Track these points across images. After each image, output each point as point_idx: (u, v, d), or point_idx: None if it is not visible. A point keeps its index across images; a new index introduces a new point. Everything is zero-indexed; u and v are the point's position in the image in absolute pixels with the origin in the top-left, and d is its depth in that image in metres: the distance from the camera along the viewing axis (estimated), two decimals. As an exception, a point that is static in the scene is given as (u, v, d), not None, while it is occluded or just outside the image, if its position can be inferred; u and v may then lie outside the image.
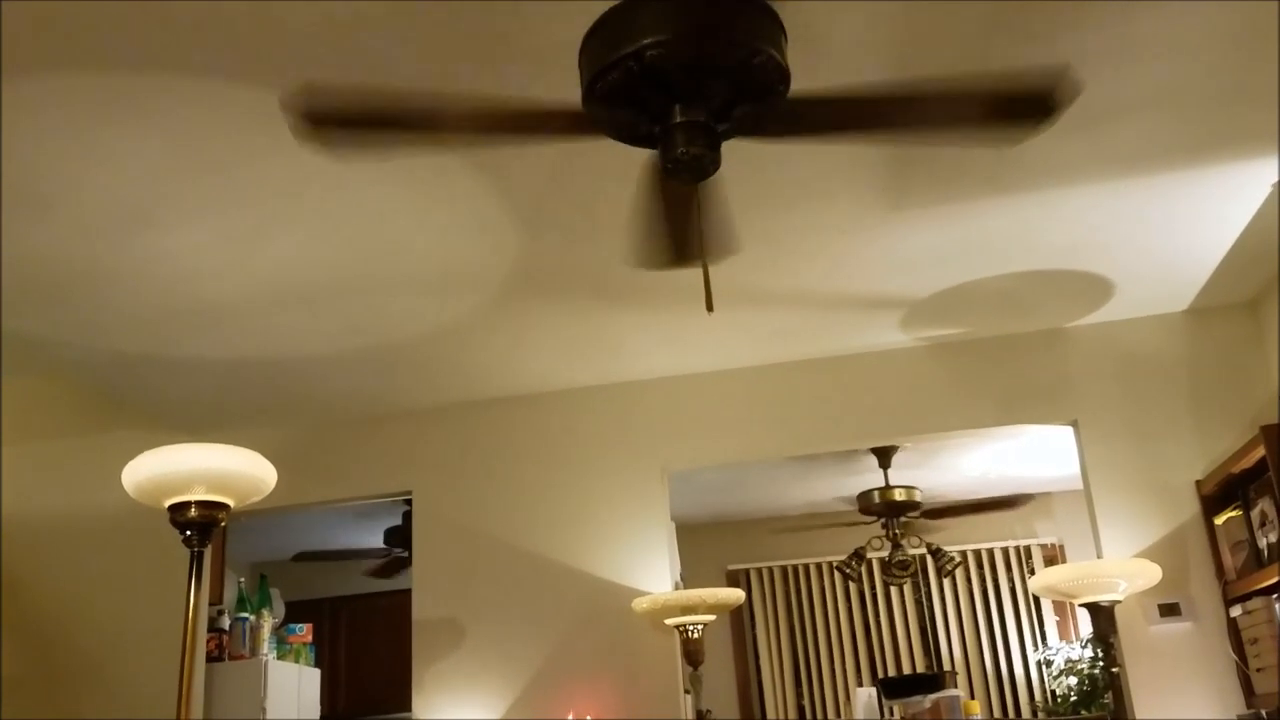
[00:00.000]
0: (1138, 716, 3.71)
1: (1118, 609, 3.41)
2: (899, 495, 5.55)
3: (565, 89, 2.07)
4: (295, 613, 5.30)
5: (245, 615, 4.58)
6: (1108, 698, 4.82)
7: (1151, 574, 3.22)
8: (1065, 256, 3.55)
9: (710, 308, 2.20)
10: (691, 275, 3.42)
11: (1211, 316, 4.07)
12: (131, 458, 2.25)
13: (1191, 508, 3.89)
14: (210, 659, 4.42)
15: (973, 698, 6.66)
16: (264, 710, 4.41)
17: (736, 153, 2.14)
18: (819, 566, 7.13)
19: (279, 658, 4.76)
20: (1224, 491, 3.78)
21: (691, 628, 3.62)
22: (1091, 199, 3.16)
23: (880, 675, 6.85)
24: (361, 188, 2.85)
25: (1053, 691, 6.36)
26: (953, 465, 6.02)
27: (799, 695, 7.00)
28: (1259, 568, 3.51)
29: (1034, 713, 6.68)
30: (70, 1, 2.09)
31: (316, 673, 5.14)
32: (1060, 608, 6.89)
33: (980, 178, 2.99)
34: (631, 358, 4.20)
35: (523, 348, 4.02)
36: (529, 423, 4.44)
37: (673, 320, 3.86)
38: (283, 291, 3.41)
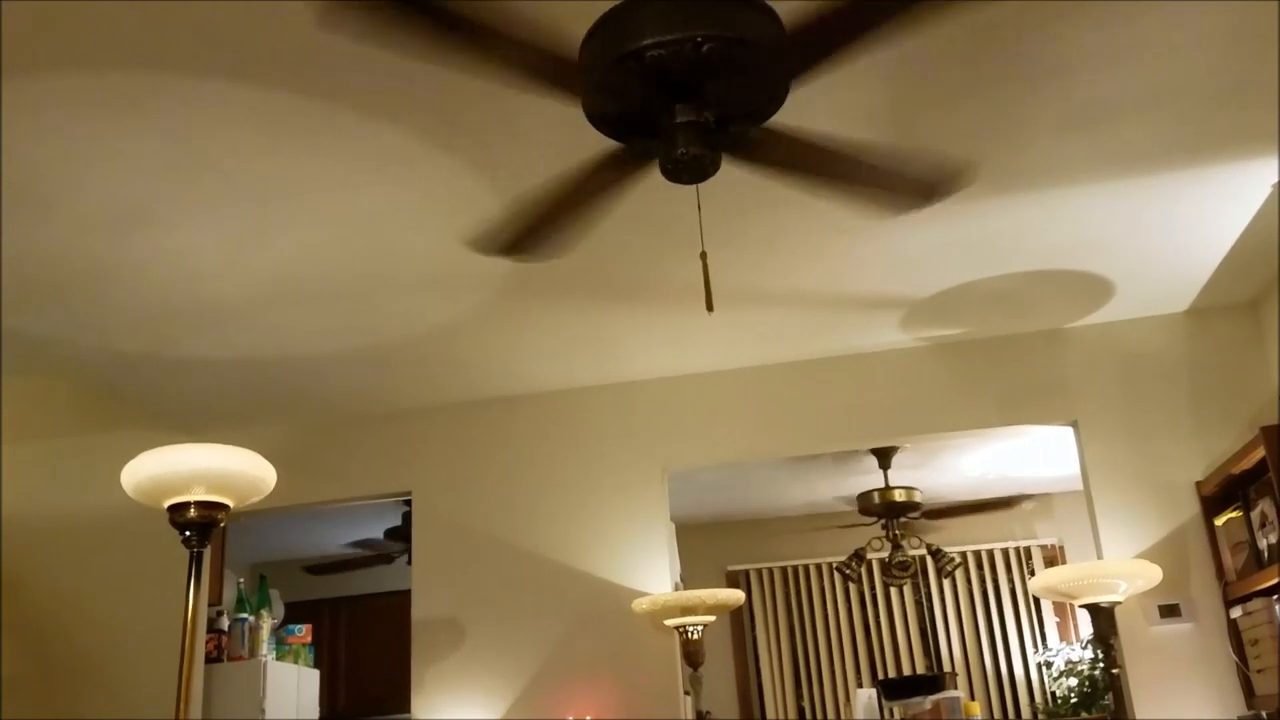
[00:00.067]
0: (1138, 718, 3.71)
1: (1118, 610, 3.41)
2: (899, 496, 5.55)
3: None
4: (294, 613, 5.30)
5: (244, 616, 4.58)
6: (1108, 699, 4.82)
7: (1152, 575, 3.22)
8: (1065, 256, 3.55)
9: (710, 307, 2.20)
10: (692, 275, 3.43)
11: (1212, 317, 4.07)
12: (131, 457, 2.24)
13: (1192, 508, 3.89)
14: (209, 660, 4.42)
15: (973, 699, 6.66)
16: (263, 711, 4.40)
17: (738, 154, 2.14)
18: (819, 567, 7.12)
19: (278, 658, 4.76)
20: (1224, 492, 3.77)
21: (691, 628, 3.62)
22: (1091, 199, 3.16)
23: (880, 676, 6.84)
24: (361, 188, 2.84)
25: (1053, 693, 6.35)
26: (953, 466, 6.02)
27: (799, 696, 6.99)
28: (1259, 569, 3.51)
29: (1034, 714, 6.68)
30: (70, 1, 2.09)
31: (315, 673, 5.14)
32: (1060, 609, 6.88)
33: (980, 178, 2.99)
34: (631, 358, 4.19)
35: (523, 348, 4.01)
36: (529, 423, 4.44)
37: (673, 320, 3.86)
38: (283, 291, 3.40)
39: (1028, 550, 7.02)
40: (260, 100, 2.43)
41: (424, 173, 2.79)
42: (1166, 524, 3.89)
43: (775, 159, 2.22)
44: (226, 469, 2.24)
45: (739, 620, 7.09)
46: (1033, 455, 5.96)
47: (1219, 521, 3.80)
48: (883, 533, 5.73)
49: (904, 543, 5.69)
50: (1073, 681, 5.79)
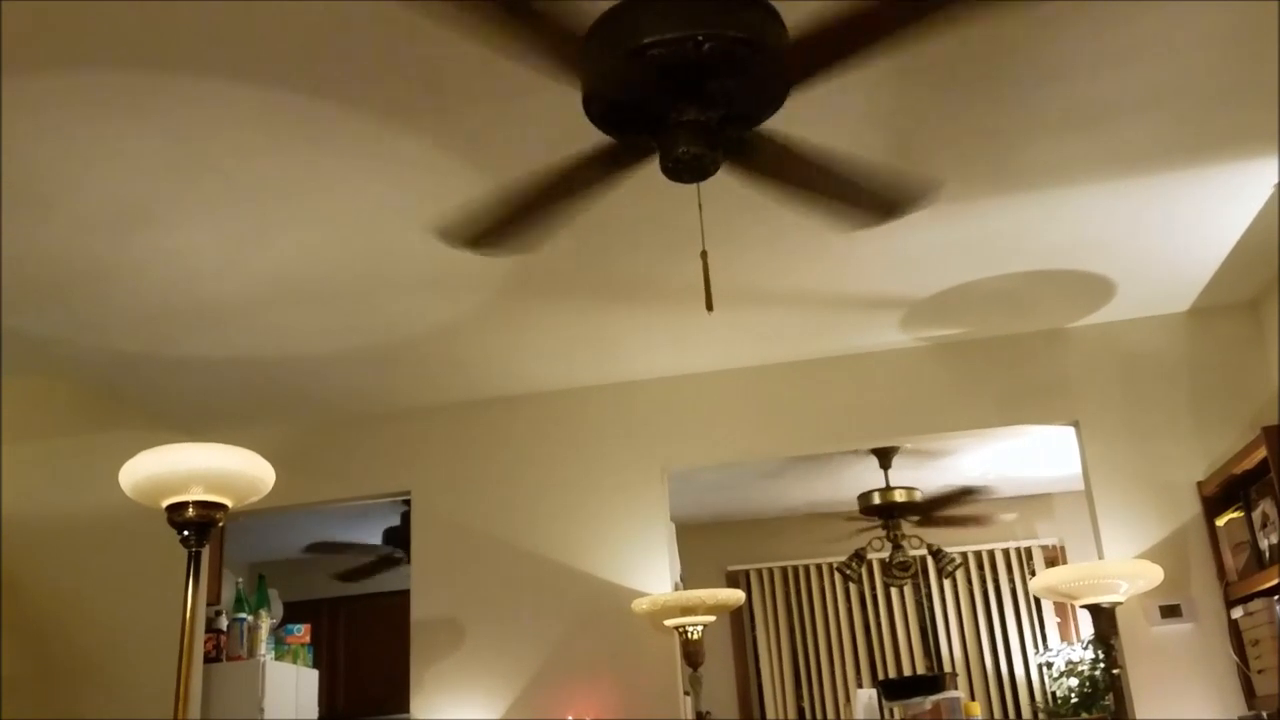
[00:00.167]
0: (1138, 718, 3.70)
1: (1119, 610, 3.41)
2: (900, 496, 5.54)
3: (566, 86, 2.06)
4: (293, 613, 5.29)
5: (243, 615, 4.57)
6: (1109, 699, 4.82)
7: (1153, 575, 3.21)
8: (1066, 256, 3.54)
9: (710, 307, 2.20)
10: (692, 275, 3.43)
11: (1213, 317, 4.07)
12: (130, 457, 2.24)
13: (1193, 508, 3.89)
14: (208, 659, 4.41)
15: (973, 699, 6.66)
16: (262, 711, 4.40)
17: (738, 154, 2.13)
18: (819, 567, 7.12)
19: (277, 658, 4.75)
20: (1225, 492, 3.77)
21: (691, 628, 3.61)
22: (1092, 199, 3.16)
23: (880, 676, 6.84)
24: (361, 187, 2.84)
25: (1053, 693, 6.35)
26: (954, 466, 6.01)
27: (799, 696, 6.99)
28: (1260, 569, 3.51)
29: (1035, 714, 6.68)
30: (70, 1, 2.09)
31: (314, 673, 5.13)
32: (1061, 609, 6.88)
33: (980, 177, 2.98)
34: (631, 358, 4.19)
35: (523, 348, 4.01)
36: (529, 422, 4.44)
37: (673, 320, 3.86)
38: (282, 291, 3.40)
39: (1028, 550, 7.02)
40: (260, 100, 2.43)
41: (424, 172, 2.78)
42: (1167, 524, 3.89)
43: (756, 163, 2.21)
44: (225, 469, 2.24)
45: (739, 620, 7.09)
46: (1033, 455, 5.96)
47: (1220, 522, 3.79)
48: (883, 533, 5.73)
49: (904, 543, 5.69)
50: (1073, 682, 5.79)
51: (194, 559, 2.28)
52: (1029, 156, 2.89)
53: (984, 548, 7.03)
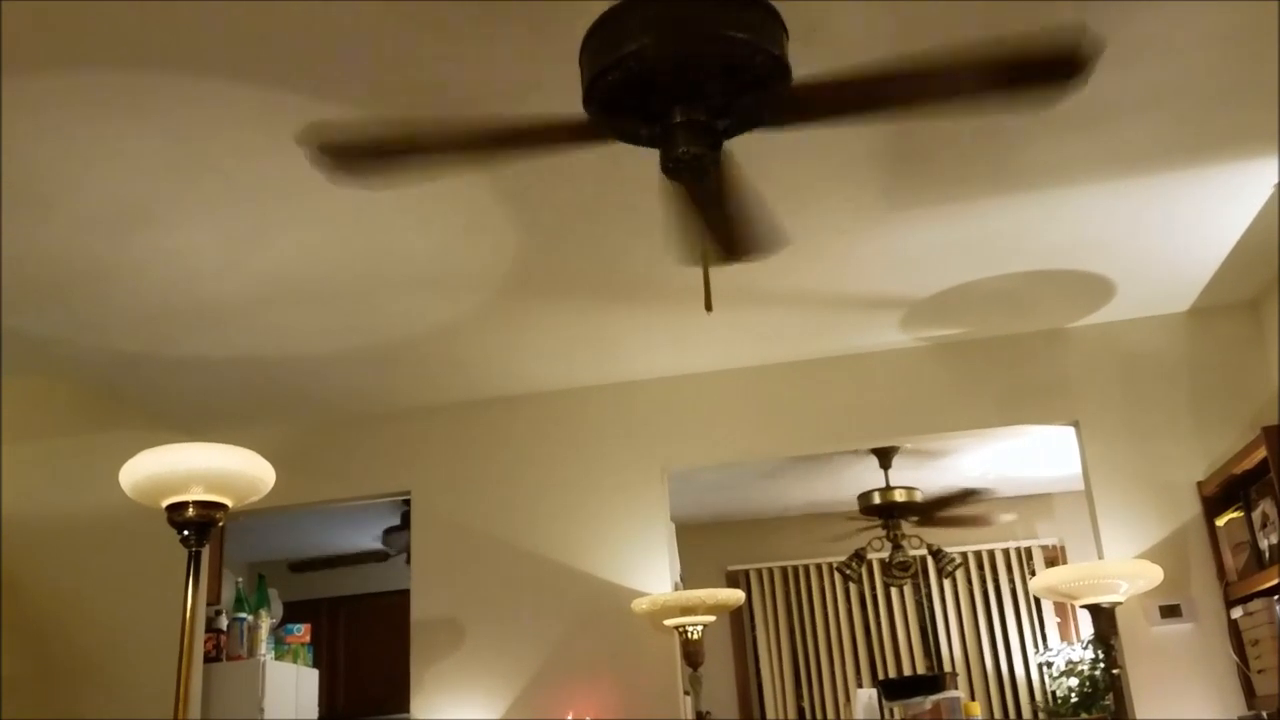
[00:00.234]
0: (1138, 718, 3.70)
1: (1119, 610, 3.41)
2: (900, 496, 5.54)
3: (565, 87, 2.06)
4: (293, 613, 5.29)
5: (243, 615, 4.57)
6: (1108, 699, 4.82)
7: (1153, 575, 3.21)
8: (1066, 256, 3.54)
9: (709, 307, 2.20)
10: (691, 275, 3.43)
11: (1213, 317, 4.07)
12: (130, 457, 2.24)
13: (1193, 508, 3.89)
14: (208, 659, 4.41)
15: (973, 699, 6.65)
16: (262, 711, 4.40)
17: (737, 153, 2.13)
18: (819, 567, 7.12)
19: (277, 658, 4.75)
20: (1225, 492, 3.77)
21: (691, 628, 3.61)
22: (1092, 199, 3.16)
23: (880, 676, 6.84)
24: (361, 187, 2.84)
25: (1053, 693, 6.35)
26: (954, 466, 6.01)
27: (799, 696, 6.99)
28: (1260, 569, 3.51)
29: (1035, 714, 6.68)
30: (70, 1, 2.09)
31: (314, 673, 5.13)
32: (1061, 609, 6.88)
33: (980, 177, 2.98)
34: (631, 358, 4.19)
35: (522, 347, 4.01)
36: (529, 422, 4.44)
37: (673, 320, 3.86)
38: (282, 290, 3.40)
39: (1028, 550, 7.02)
40: (260, 100, 2.43)
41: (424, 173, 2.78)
42: (1167, 524, 3.89)
43: (827, 108, 2.04)
44: (225, 468, 2.24)
45: (739, 620, 7.09)
46: (1033, 455, 5.96)
47: (1220, 522, 3.79)
48: (883, 533, 5.73)
49: (904, 543, 5.69)
50: (1073, 682, 5.79)
51: (194, 559, 2.28)
52: (1029, 156, 2.89)
53: (984, 548, 7.02)
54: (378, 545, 6.08)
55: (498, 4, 2.17)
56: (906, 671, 6.86)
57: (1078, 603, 3.24)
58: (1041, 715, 6.63)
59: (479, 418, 4.48)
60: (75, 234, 2.97)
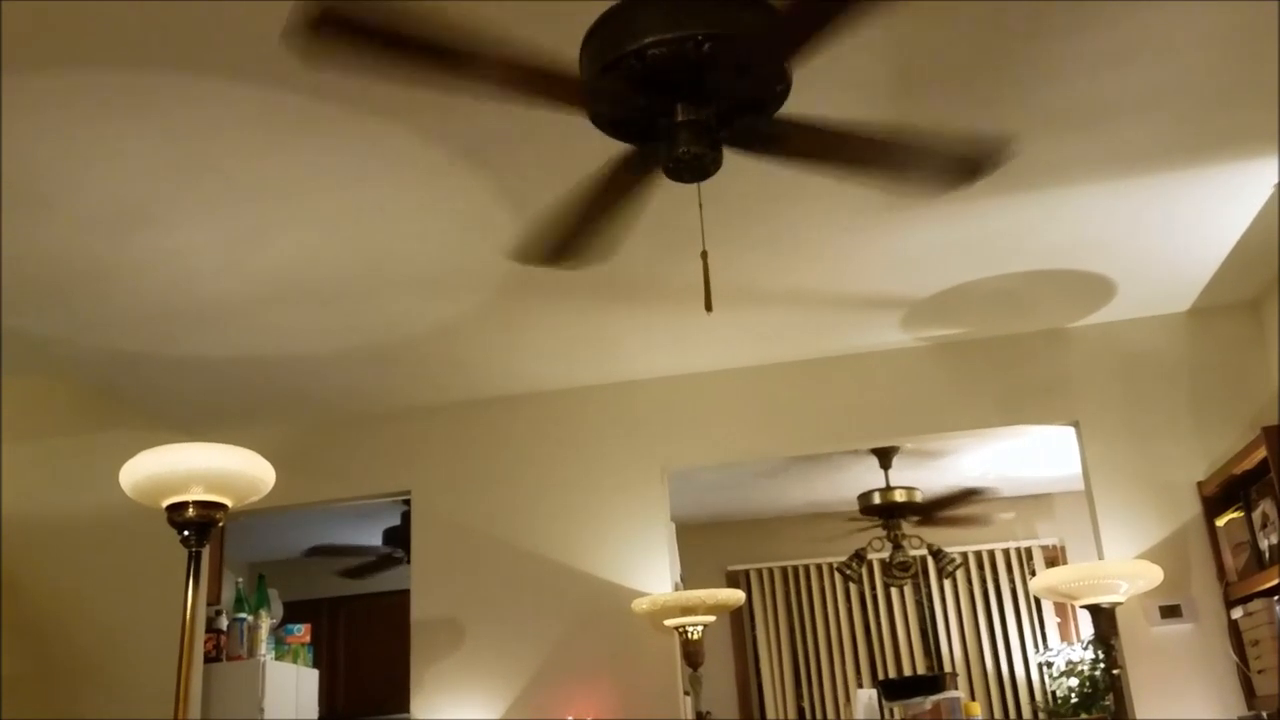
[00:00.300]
0: (1138, 718, 3.70)
1: (1119, 610, 3.41)
2: (900, 496, 5.54)
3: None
4: (293, 613, 5.29)
5: (243, 615, 4.57)
6: (1109, 699, 4.82)
7: (1153, 575, 3.21)
8: (1066, 256, 3.54)
9: (709, 307, 2.19)
10: (692, 275, 3.43)
11: (1213, 317, 4.07)
12: (130, 457, 2.24)
13: (1193, 509, 3.89)
14: (208, 659, 4.41)
15: (973, 699, 6.65)
16: (262, 711, 4.40)
17: (736, 153, 2.13)
18: (819, 567, 7.12)
19: (277, 658, 4.75)
20: (1225, 492, 3.77)
21: (691, 628, 3.61)
22: (1092, 199, 3.16)
23: (881, 676, 6.84)
24: (361, 187, 2.84)
25: (1053, 693, 6.35)
26: (954, 466, 6.01)
27: (799, 696, 6.99)
28: (1260, 569, 3.51)
29: (1035, 714, 6.68)
30: (70, 1, 2.09)
31: (314, 673, 5.13)
32: (1061, 609, 6.88)
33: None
34: (631, 357, 4.19)
35: (522, 347, 4.01)
36: (529, 422, 4.44)
37: (673, 320, 3.86)
38: (282, 290, 3.40)
39: (1028, 550, 7.02)
40: (260, 100, 2.43)
41: (424, 172, 2.78)
42: (1168, 524, 3.89)
43: (798, 149, 2.17)
44: (225, 468, 2.24)
45: (739, 620, 7.09)
46: (1033, 455, 5.96)
47: (1220, 522, 3.79)
48: (883, 533, 5.72)
49: (904, 543, 5.69)
50: (1073, 682, 5.79)
51: (194, 559, 2.28)
52: (1029, 156, 2.89)
53: (984, 548, 7.02)
54: (379, 545, 6.08)
55: (501, 4, 2.17)
56: (906, 672, 6.86)
57: (1078, 603, 3.24)
58: (1041, 715, 6.63)
59: (479, 418, 4.48)
60: (75, 234, 2.97)
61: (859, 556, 5.63)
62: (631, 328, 3.90)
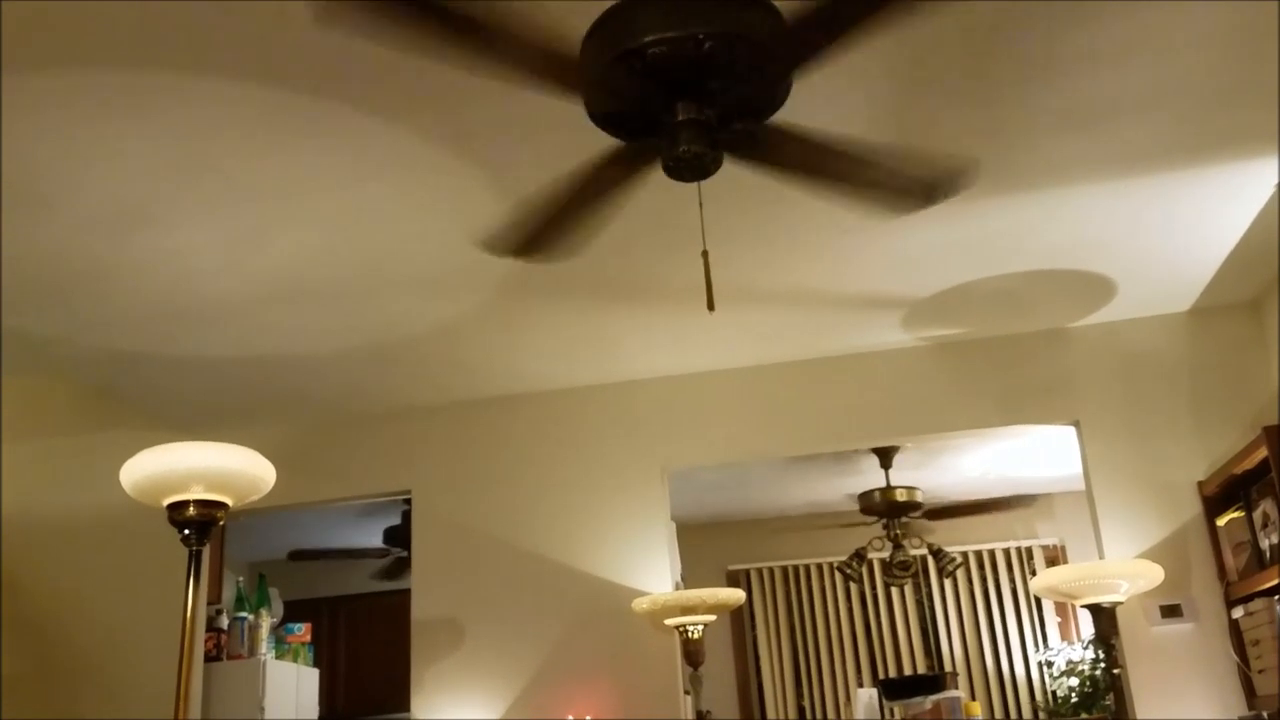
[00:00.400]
0: (1139, 718, 3.70)
1: (1119, 610, 3.41)
2: (900, 495, 5.55)
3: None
4: (294, 612, 5.29)
5: (244, 615, 4.57)
6: (1109, 699, 4.82)
7: (1153, 575, 3.21)
8: (1066, 256, 3.54)
9: (711, 306, 2.19)
10: (692, 275, 3.43)
11: (1213, 317, 4.07)
12: (130, 457, 2.24)
13: (1193, 508, 3.89)
14: (208, 658, 4.41)
15: (973, 699, 6.65)
16: (262, 710, 4.40)
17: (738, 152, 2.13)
18: (819, 567, 7.12)
19: (277, 657, 4.75)
20: (1226, 492, 3.77)
21: (691, 628, 3.61)
22: (1091, 199, 3.16)
23: (881, 676, 6.84)
24: (361, 187, 2.84)
25: (1054, 693, 6.35)
26: (954, 465, 6.01)
27: (799, 696, 6.99)
28: (1261, 569, 3.51)
29: (1035, 714, 6.68)
30: (70, 1, 2.09)
31: (315, 672, 5.13)
32: (1061, 608, 6.88)
33: (980, 177, 2.98)
34: (631, 357, 4.19)
35: (522, 347, 4.01)
36: (529, 422, 4.44)
37: (672, 319, 3.86)
38: (282, 290, 3.40)
39: (1029, 550, 7.02)
40: (260, 100, 2.43)
41: (424, 172, 2.78)
42: (1168, 524, 3.89)
43: (776, 158, 2.22)
44: (225, 467, 2.24)
45: (739, 620, 7.09)
46: (1034, 455, 5.96)
47: (1220, 522, 3.79)
48: (884, 532, 5.73)
49: (905, 542, 5.69)
50: (1073, 681, 5.79)
51: (194, 558, 2.28)
52: (1029, 156, 2.89)
53: (984, 547, 7.03)
54: (379, 544, 6.08)
55: (501, 4, 2.17)
56: (907, 671, 6.86)
57: (1078, 602, 3.24)
58: (1042, 715, 6.63)
59: (479, 417, 4.48)
60: (75, 234, 2.97)
61: (859, 556, 5.63)
62: (631, 328, 3.90)
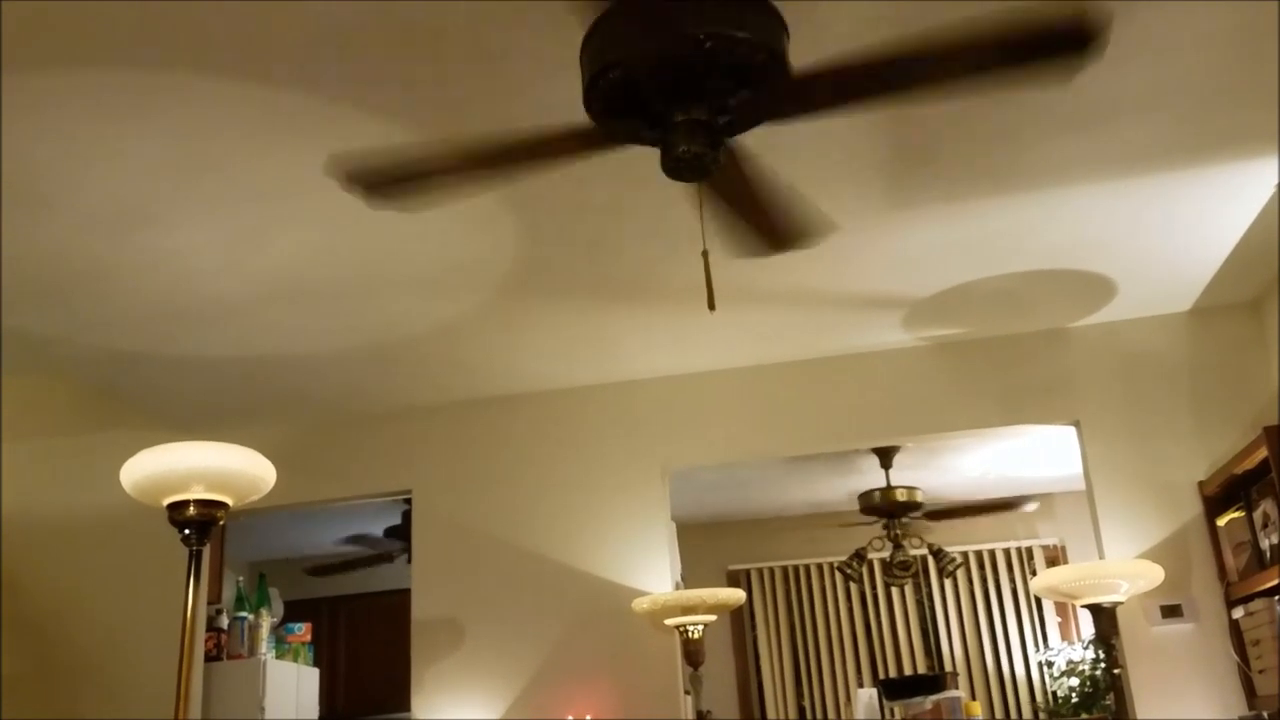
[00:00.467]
0: (1139, 718, 3.70)
1: (1119, 610, 3.40)
2: (900, 495, 5.54)
3: (563, 87, 2.06)
4: (294, 612, 5.30)
5: (244, 614, 4.58)
6: (1109, 699, 4.82)
7: (1153, 575, 3.21)
8: (1067, 256, 3.54)
9: (712, 306, 2.19)
10: (691, 275, 3.43)
11: (1214, 317, 4.06)
12: (130, 456, 2.24)
13: (1194, 508, 3.89)
14: (209, 658, 4.42)
15: (974, 699, 6.65)
16: (262, 710, 4.40)
17: (739, 150, 2.13)
18: (820, 567, 7.12)
19: (278, 657, 4.76)
20: (1226, 492, 3.77)
21: (691, 628, 3.61)
22: (1092, 199, 3.15)
23: (881, 676, 6.84)
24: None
25: (1054, 693, 6.35)
26: (954, 466, 6.01)
27: (799, 696, 6.99)
28: (1261, 569, 3.50)
29: (1035, 714, 6.68)
30: (70, 1, 2.09)
31: (315, 672, 5.14)
32: (1062, 609, 6.88)
33: (980, 177, 2.98)
34: (631, 357, 4.19)
35: (522, 347, 4.01)
36: (529, 422, 4.44)
37: (673, 319, 3.86)
38: (282, 290, 3.40)
39: (1029, 550, 7.02)
40: (260, 100, 2.43)
41: (424, 172, 2.78)
42: (1168, 524, 3.89)
43: (824, 99, 2.04)
44: (226, 467, 2.24)
45: (739, 620, 7.09)
46: (1034, 455, 5.96)
47: (1221, 522, 3.79)
48: (884, 532, 5.73)
49: (905, 542, 5.69)
50: (1074, 681, 5.79)
51: (195, 558, 2.28)
52: (1029, 156, 2.89)
53: (984, 547, 7.03)
54: (380, 537, 6.09)
55: (502, 4, 2.17)
56: (907, 671, 6.86)
57: (1078, 602, 3.23)
58: (1042, 715, 6.63)
59: (479, 417, 4.48)
60: (75, 234, 2.97)
61: (859, 556, 5.63)
62: (631, 328, 3.90)
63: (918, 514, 5.74)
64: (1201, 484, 3.89)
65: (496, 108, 2.51)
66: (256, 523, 5.83)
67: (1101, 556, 3.93)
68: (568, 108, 2.11)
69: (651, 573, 4.15)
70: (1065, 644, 6.45)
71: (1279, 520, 3.41)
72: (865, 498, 5.63)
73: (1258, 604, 3.53)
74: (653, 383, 4.41)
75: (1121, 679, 3.69)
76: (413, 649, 4.21)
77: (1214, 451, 3.90)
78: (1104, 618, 3.22)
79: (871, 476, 5.80)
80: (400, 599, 4.66)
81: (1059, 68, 1.90)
